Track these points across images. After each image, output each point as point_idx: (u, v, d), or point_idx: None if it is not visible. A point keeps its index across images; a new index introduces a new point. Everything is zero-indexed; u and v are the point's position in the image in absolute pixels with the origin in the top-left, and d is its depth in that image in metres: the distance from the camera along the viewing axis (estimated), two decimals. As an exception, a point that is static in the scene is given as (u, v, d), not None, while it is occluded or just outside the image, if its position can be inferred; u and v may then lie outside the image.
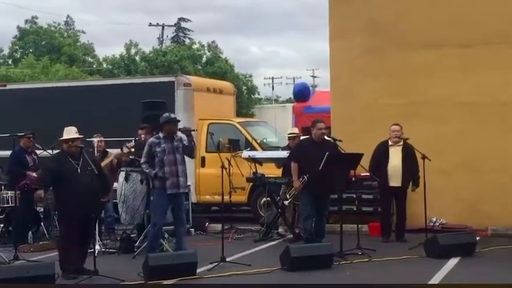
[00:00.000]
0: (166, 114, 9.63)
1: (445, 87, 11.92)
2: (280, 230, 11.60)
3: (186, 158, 9.77)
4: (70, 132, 8.67)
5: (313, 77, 53.65)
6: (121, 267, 9.01)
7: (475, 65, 11.72)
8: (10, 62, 45.20)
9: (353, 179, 10.27)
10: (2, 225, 11.28)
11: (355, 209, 11.11)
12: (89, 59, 47.68)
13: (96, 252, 8.89)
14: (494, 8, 11.69)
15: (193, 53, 39.91)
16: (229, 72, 37.02)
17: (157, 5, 79.95)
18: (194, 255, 8.43)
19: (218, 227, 11.31)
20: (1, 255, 9.54)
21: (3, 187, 11.55)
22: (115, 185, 10.48)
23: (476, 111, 11.70)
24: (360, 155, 9.89)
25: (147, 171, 9.43)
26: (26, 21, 47.20)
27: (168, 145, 9.37)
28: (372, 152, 10.91)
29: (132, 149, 10.96)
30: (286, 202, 11.12)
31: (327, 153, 9.56)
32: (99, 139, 11.61)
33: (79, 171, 8.43)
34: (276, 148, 13.33)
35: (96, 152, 10.99)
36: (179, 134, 9.56)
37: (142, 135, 11.01)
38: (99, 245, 10.09)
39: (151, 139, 9.57)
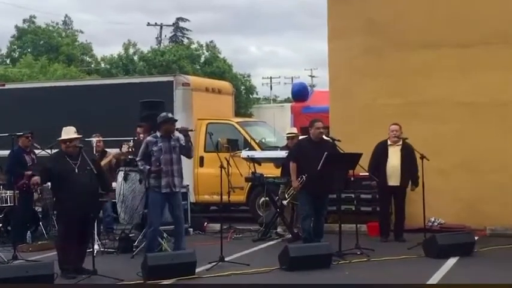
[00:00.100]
0: (163, 114, 9.65)
1: (443, 87, 11.93)
2: (279, 229, 11.61)
3: (184, 158, 9.78)
4: (68, 132, 8.65)
5: (312, 76, 53.68)
6: (120, 267, 9.01)
7: (473, 65, 11.73)
8: (8, 61, 45.16)
9: (352, 178, 10.27)
10: (0, 224, 11.27)
11: (353, 208, 11.16)
12: (87, 58, 47.64)
13: (95, 252, 8.87)
14: (493, 8, 11.70)
15: (192, 52, 39.90)
16: (227, 72, 37.00)
17: (156, 5, 79.99)
18: (193, 255, 8.43)
19: (217, 226, 11.31)
20: (0, 255, 9.53)
21: (1, 187, 11.55)
22: (114, 184, 10.47)
23: (475, 111, 11.71)
24: (359, 155, 9.89)
25: (142, 167, 9.45)
26: (24, 21, 47.21)
27: (165, 144, 9.38)
28: (371, 151, 10.92)
29: (131, 149, 10.97)
30: (284, 202, 11.11)
31: (326, 153, 9.56)
32: (97, 139, 11.62)
33: (76, 171, 8.41)
34: (275, 148, 13.32)
35: (95, 151, 10.99)
36: (177, 133, 9.57)
37: (141, 135, 11.01)
38: (98, 244, 10.07)
39: (149, 138, 9.59)
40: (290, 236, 11.20)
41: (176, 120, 9.78)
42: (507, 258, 9.35)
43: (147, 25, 50.57)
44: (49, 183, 9.19)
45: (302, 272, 8.43)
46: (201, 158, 14.28)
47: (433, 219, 11.48)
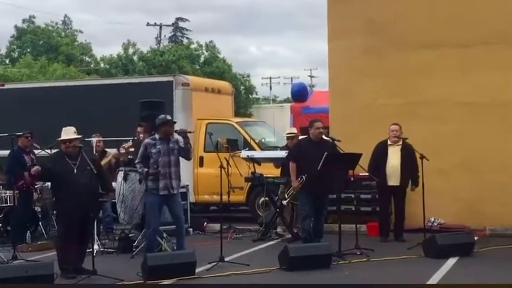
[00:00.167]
0: (162, 116, 9.60)
1: (443, 87, 11.93)
2: (279, 229, 11.61)
3: (183, 158, 9.77)
4: (68, 133, 8.64)
5: (311, 76, 53.69)
6: (119, 267, 9.01)
7: (473, 65, 11.73)
8: (8, 61, 45.14)
9: (351, 179, 10.27)
10: (0, 224, 11.27)
11: (353, 208, 11.16)
12: (87, 58, 47.62)
13: (95, 252, 8.87)
14: (493, 8, 11.70)
15: (191, 52, 39.88)
16: (227, 72, 36.99)
17: (156, 5, 79.96)
18: (193, 255, 8.43)
19: (216, 226, 11.31)
20: (0, 254, 9.53)
21: (1, 187, 11.55)
22: (113, 184, 10.46)
23: (474, 111, 11.71)
24: (359, 155, 9.89)
25: (140, 170, 9.46)
26: (24, 21, 47.20)
27: (164, 146, 9.36)
28: (371, 152, 10.92)
29: (130, 149, 10.97)
30: (284, 202, 11.11)
31: (326, 153, 9.56)
32: (97, 139, 11.61)
33: (75, 171, 8.41)
34: (275, 148, 13.32)
35: (94, 151, 10.98)
36: (175, 135, 9.54)
37: (141, 134, 11.01)
38: (98, 244, 10.07)
39: (147, 140, 9.57)
40: (290, 236, 11.20)
41: (175, 122, 9.77)
42: (507, 259, 9.35)
43: (147, 25, 50.61)
44: (49, 183, 9.19)
45: (302, 272, 8.43)
46: (201, 158, 14.28)
47: (432, 219, 11.48)
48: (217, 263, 8.81)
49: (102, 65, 44.07)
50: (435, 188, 11.04)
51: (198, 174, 14.25)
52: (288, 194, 10.93)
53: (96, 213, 9.87)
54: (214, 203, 13.90)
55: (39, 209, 11.87)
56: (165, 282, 8.00)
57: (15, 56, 44.96)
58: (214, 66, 37.63)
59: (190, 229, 11.99)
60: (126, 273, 8.36)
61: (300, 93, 17.84)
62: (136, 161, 9.59)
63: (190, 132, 10.09)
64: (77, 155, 8.52)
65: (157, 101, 11.55)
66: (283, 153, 11.30)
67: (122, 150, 11.02)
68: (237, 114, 19.47)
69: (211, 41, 41.97)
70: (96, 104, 14.69)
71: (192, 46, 41.86)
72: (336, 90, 12.82)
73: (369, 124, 12.11)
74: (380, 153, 10.91)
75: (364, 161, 10.35)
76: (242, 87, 37.55)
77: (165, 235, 9.98)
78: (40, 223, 11.54)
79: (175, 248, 9.57)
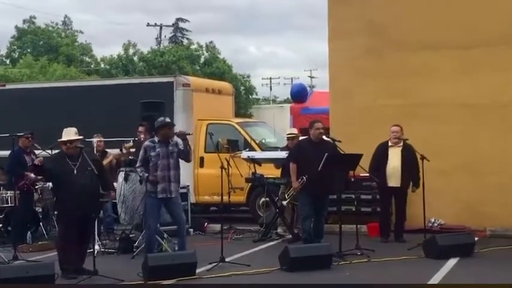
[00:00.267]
0: (161, 118, 9.56)
1: (444, 88, 11.93)
2: (279, 230, 11.62)
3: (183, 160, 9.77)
4: (69, 134, 8.64)
5: (311, 77, 53.74)
6: (120, 267, 9.02)
7: (474, 66, 11.74)
8: (8, 62, 45.13)
9: (352, 179, 10.27)
10: (1, 225, 11.28)
11: (354, 209, 11.15)
12: (87, 59, 47.62)
13: (96, 252, 8.87)
14: (493, 10, 11.70)
15: (191, 53, 39.89)
16: (227, 73, 37.00)
17: (156, 5, 79.96)
18: (193, 256, 8.44)
19: (217, 227, 11.32)
20: (0, 255, 9.53)
21: (2, 187, 11.56)
22: (114, 185, 10.47)
23: (475, 112, 11.71)
24: (359, 156, 9.90)
25: (141, 174, 9.47)
26: (24, 21, 47.19)
27: (163, 149, 9.35)
28: (371, 152, 10.92)
29: (131, 150, 10.98)
30: (284, 202, 11.12)
31: (326, 154, 9.57)
32: (98, 139, 11.62)
33: (75, 172, 8.41)
34: (275, 148, 13.33)
35: (95, 152, 10.99)
36: (175, 138, 9.53)
37: (142, 135, 11.02)
38: (99, 245, 10.09)
39: (147, 143, 9.56)
40: (290, 236, 11.21)
41: (174, 125, 9.75)
42: (507, 259, 9.36)
43: (147, 25, 50.55)
44: (50, 184, 9.19)
45: (302, 273, 8.44)
46: (201, 159, 14.29)
47: (433, 220, 11.48)
48: (217, 264, 8.82)
49: (102, 65, 44.06)
50: (435, 188, 11.06)
51: (199, 175, 14.26)
52: (288, 194, 10.93)
53: (97, 214, 9.88)
54: (214, 204, 13.91)
55: (40, 210, 11.88)
56: (166, 282, 8.01)
57: (16, 56, 44.96)
58: (215, 67, 37.64)
59: (191, 229, 12.00)
60: (127, 273, 8.37)
61: (299, 94, 17.83)
62: (136, 165, 9.59)
63: (189, 134, 10.09)
64: (77, 156, 8.52)
65: (158, 102, 11.57)
66: (283, 154, 11.30)
67: (124, 151, 11.04)
68: (237, 114, 19.46)
69: (211, 42, 42.04)
70: (96, 105, 14.69)
71: (192, 47, 41.88)
72: (336, 91, 12.83)
73: (369, 125, 12.12)
74: (381, 154, 10.92)
75: (365, 162, 10.35)
76: (242, 88, 37.55)
77: (165, 235, 9.99)
78: (41, 223, 11.55)
79: (176, 248, 9.59)
